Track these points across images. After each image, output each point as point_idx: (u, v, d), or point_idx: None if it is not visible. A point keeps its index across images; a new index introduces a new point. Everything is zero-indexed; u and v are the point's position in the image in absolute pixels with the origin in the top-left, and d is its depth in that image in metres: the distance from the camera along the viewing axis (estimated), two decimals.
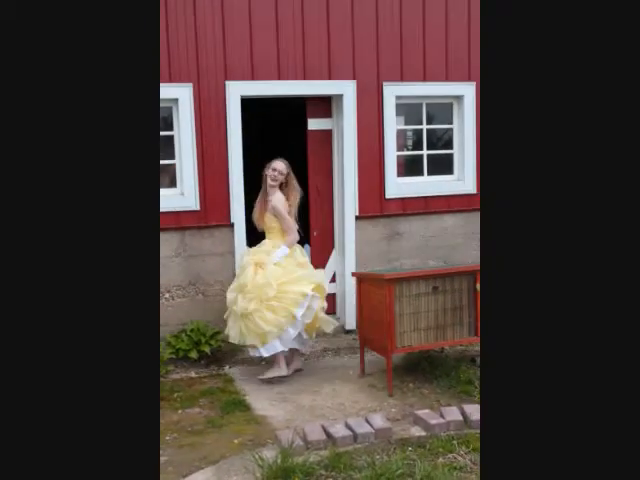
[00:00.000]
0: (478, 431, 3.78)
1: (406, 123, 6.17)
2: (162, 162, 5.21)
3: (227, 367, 5.24)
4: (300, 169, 5.63)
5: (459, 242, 6.29)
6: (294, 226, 4.94)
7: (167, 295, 5.43)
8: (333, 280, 6.09)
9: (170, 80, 5.19)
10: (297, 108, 6.16)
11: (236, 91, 5.39)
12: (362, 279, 4.91)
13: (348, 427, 3.78)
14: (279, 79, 5.52)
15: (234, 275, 5.55)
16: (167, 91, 5.06)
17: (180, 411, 4.36)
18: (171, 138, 5.35)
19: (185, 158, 5.34)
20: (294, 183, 5.00)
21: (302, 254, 5.05)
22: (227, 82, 5.37)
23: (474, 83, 6.07)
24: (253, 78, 5.45)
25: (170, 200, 5.26)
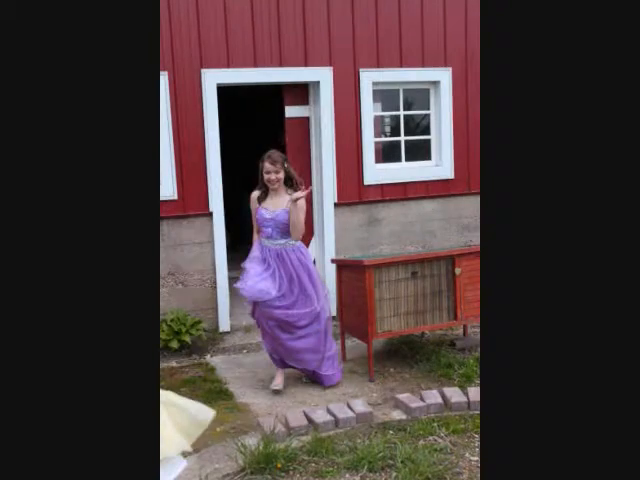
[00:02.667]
0: (458, 413, 3.83)
1: (383, 109, 6.18)
2: None
3: (208, 356, 5.24)
4: None
5: (437, 227, 6.33)
6: None
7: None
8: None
9: None
10: (273, 94, 6.14)
11: (212, 79, 5.36)
12: (341, 266, 4.93)
13: (330, 412, 3.81)
14: (255, 66, 5.49)
15: (213, 264, 5.56)
16: None
17: None
18: None
19: (162, 147, 5.29)
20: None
21: None
22: (203, 70, 5.33)
23: (450, 68, 6.09)
24: (229, 66, 5.41)
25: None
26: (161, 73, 5.20)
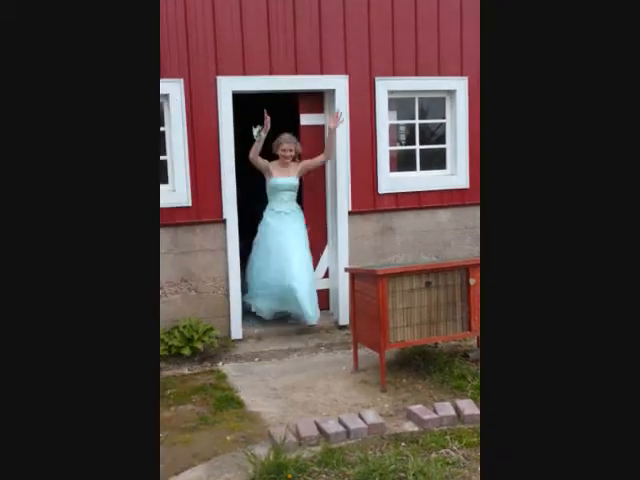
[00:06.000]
0: (471, 426, 3.78)
1: (399, 118, 6.16)
2: None
3: (220, 363, 5.22)
4: None
5: (452, 237, 6.28)
6: None
7: (159, 292, 5.42)
8: (326, 276, 6.07)
9: (161, 75, 5.15)
10: (289, 102, 6.13)
11: (227, 86, 5.36)
12: (355, 275, 4.89)
13: (341, 423, 3.77)
14: (271, 74, 5.49)
15: (226, 271, 5.55)
16: None
17: (173, 408, 4.34)
18: (162, 134, 5.32)
19: (176, 154, 5.31)
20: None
21: None
22: (218, 77, 5.34)
23: (466, 78, 6.06)
24: (244, 73, 5.42)
25: (162, 196, 5.20)
26: (176, 80, 5.22)
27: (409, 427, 3.85)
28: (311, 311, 5.63)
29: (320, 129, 5.89)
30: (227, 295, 5.60)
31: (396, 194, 6.01)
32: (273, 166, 5.71)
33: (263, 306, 5.83)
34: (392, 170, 6.03)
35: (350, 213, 5.88)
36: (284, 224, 5.70)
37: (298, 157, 5.75)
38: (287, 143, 5.64)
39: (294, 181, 5.72)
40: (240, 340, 5.61)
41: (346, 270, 5.22)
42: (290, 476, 3.20)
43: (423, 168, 6.22)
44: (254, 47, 5.42)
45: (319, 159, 5.72)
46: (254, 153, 5.55)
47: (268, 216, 5.78)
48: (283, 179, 5.67)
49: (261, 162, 5.67)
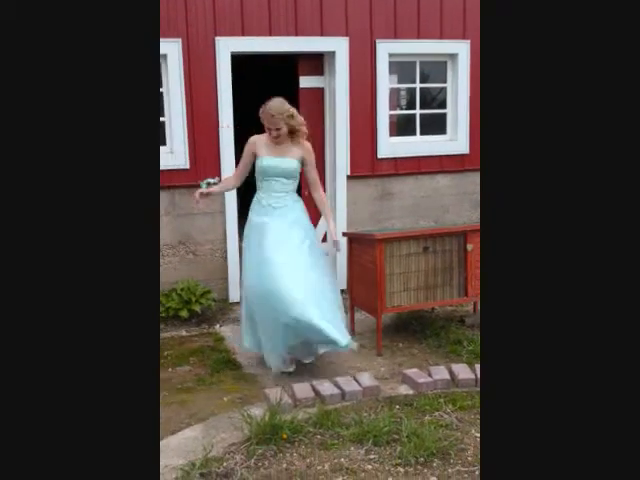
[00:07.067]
0: (465, 390, 3.82)
1: (399, 81, 6.09)
2: None
3: (218, 326, 5.26)
4: None
5: (451, 202, 6.27)
6: None
7: (159, 256, 5.42)
8: (324, 240, 6.07)
9: None
10: (288, 65, 6.06)
11: (226, 47, 5.29)
12: (353, 239, 4.90)
13: (336, 385, 3.81)
14: (270, 35, 5.41)
15: (224, 234, 5.55)
16: None
17: (170, 369, 4.38)
18: (160, 95, 5.26)
19: (174, 116, 5.26)
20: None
21: None
22: (217, 38, 5.26)
23: (469, 41, 5.97)
24: (243, 34, 5.34)
25: (160, 159, 5.20)
26: (175, 40, 5.14)
27: (404, 390, 3.89)
28: (338, 334, 3.94)
29: (320, 92, 5.82)
30: (225, 258, 5.60)
31: (395, 159, 5.98)
32: (260, 142, 4.19)
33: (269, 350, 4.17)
34: (392, 135, 5.99)
35: (349, 177, 5.86)
36: (270, 222, 4.11)
37: (300, 135, 4.21)
38: (271, 119, 4.02)
39: (290, 164, 4.12)
40: (237, 303, 5.63)
41: (344, 234, 5.21)
42: (285, 436, 3.25)
43: (423, 133, 6.17)
44: (253, 7, 5.33)
45: (311, 190, 4.40)
46: (225, 184, 4.45)
47: (252, 212, 4.24)
48: (271, 159, 4.10)
49: (245, 154, 4.23)
